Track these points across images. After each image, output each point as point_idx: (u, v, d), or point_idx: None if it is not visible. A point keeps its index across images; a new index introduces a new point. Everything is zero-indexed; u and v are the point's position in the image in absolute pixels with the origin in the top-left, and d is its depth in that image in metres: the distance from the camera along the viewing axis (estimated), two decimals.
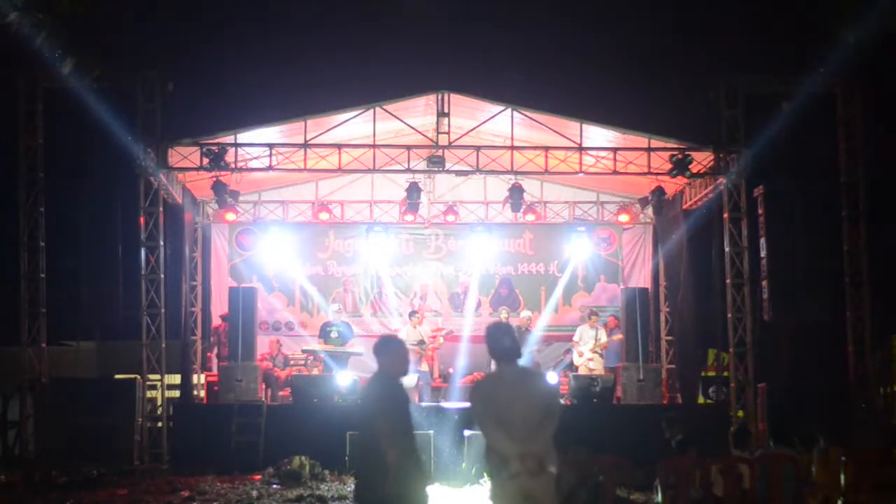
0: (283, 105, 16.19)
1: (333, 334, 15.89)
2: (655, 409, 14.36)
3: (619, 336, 15.94)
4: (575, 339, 16.38)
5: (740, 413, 14.31)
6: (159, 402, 14.77)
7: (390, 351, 5.96)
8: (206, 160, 14.32)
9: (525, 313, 16.99)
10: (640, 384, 14.76)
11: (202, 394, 15.87)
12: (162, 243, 14.40)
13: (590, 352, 16.00)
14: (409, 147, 14.93)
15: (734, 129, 14.55)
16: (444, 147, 14.95)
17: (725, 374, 15.55)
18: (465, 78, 16.46)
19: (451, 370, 16.61)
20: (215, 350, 16.61)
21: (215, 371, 15.87)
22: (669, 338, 17.46)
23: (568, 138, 14.89)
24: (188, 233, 16.34)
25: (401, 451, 5.62)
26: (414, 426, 5.95)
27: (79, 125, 15.24)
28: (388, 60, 21.00)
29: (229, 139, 14.59)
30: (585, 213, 18.12)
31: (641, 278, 18.09)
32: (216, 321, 17.00)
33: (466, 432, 12.50)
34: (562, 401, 14.09)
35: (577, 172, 15.18)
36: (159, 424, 14.35)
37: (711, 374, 17.20)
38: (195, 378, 15.92)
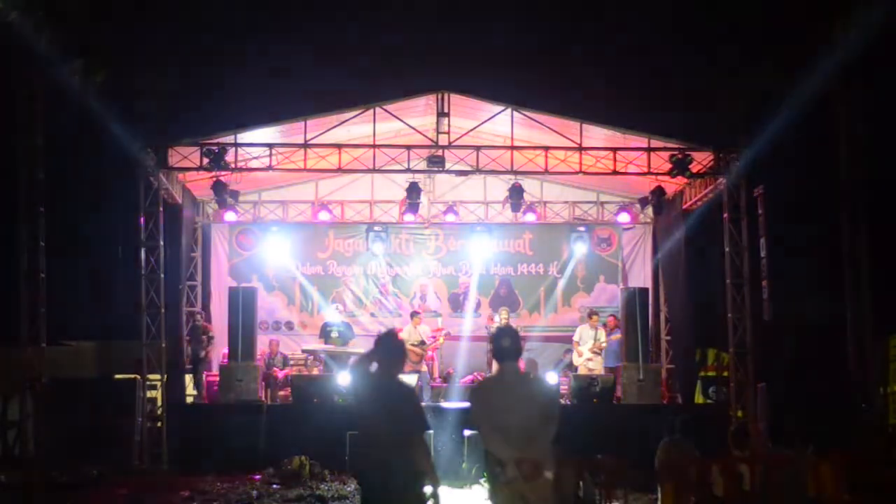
0: (283, 105, 16.17)
1: (334, 334, 15.92)
2: (655, 409, 14.37)
3: (617, 336, 15.95)
4: (575, 338, 16.41)
5: (740, 413, 14.31)
6: (159, 402, 14.75)
7: (391, 347, 5.93)
8: (206, 160, 14.33)
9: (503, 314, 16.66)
10: (640, 384, 14.76)
11: (202, 393, 15.87)
12: (162, 243, 14.40)
13: (589, 352, 16.04)
14: (409, 147, 14.92)
15: (734, 129, 14.54)
16: (444, 147, 14.95)
17: (725, 374, 15.55)
18: (465, 78, 16.44)
19: (451, 370, 16.64)
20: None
21: (215, 371, 15.89)
22: (669, 338, 17.46)
23: (568, 138, 14.89)
24: (188, 233, 16.33)
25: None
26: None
27: (79, 125, 15.22)
28: (388, 60, 20.99)
29: (229, 139, 14.59)
30: (585, 213, 18.12)
31: (641, 278, 18.08)
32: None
33: (466, 432, 12.50)
34: (561, 403, 14.10)
35: (577, 172, 15.18)
36: (159, 424, 14.34)
37: (711, 373, 17.20)
38: (191, 378, 15.92)
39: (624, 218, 17.52)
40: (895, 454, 13.77)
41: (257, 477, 12.49)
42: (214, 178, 15.24)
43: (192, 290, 17.45)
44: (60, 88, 13.82)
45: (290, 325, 17.91)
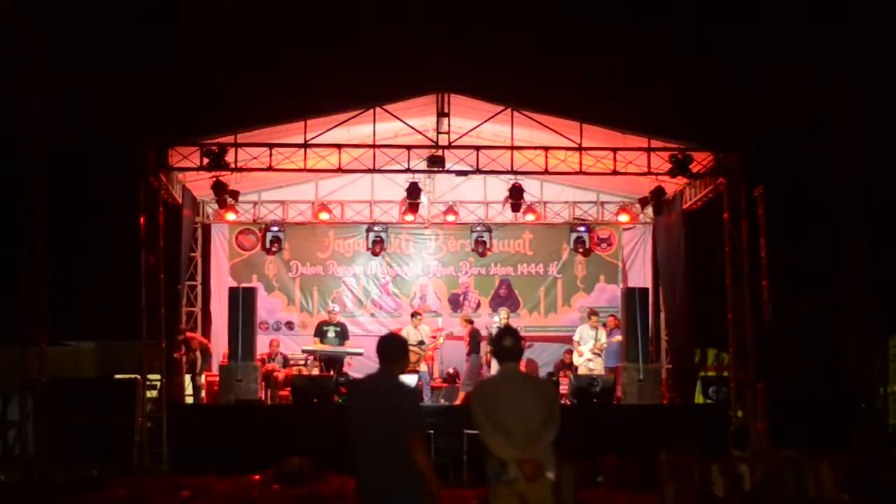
0: (283, 105, 16.18)
1: (330, 334, 15.91)
2: (655, 409, 14.37)
3: (618, 337, 15.94)
4: (575, 338, 16.41)
5: (740, 413, 14.30)
6: (159, 402, 14.73)
7: (392, 347, 5.94)
8: (206, 160, 14.31)
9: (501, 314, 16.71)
10: (640, 384, 14.74)
11: (199, 396, 15.87)
12: (162, 243, 14.39)
13: (589, 352, 16.03)
14: (409, 147, 14.91)
15: (734, 129, 14.54)
16: (444, 147, 14.93)
17: (725, 374, 15.54)
18: (465, 78, 16.46)
19: (450, 370, 16.64)
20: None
21: (215, 371, 15.88)
22: (669, 338, 17.45)
23: (568, 138, 14.87)
24: (188, 233, 16.32)
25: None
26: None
27: (79, 125, 15.24)
28: (388, 60, 21.02)
29: (229, 139, 14.58)
30: (585, 213, 18.12)
31: (641, 278, 18.08)
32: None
33: (466, 432, 12.50)
34: (562, 404, 14.09)
35: (577, 172, 15.16)
36: (159, 424, 14.31)
37: (711, 374, 17.20)
38: (189, 378, 15.91)
39: (624, 218, 17.53)
40: (895, 454, 13.79)
41: (257, 477, 12.48)
42: (214, 178, 15.23)
43: (192, 290, 17.45)
44: (60, 88, 13.83)
45: (290, 325, 17.92)
